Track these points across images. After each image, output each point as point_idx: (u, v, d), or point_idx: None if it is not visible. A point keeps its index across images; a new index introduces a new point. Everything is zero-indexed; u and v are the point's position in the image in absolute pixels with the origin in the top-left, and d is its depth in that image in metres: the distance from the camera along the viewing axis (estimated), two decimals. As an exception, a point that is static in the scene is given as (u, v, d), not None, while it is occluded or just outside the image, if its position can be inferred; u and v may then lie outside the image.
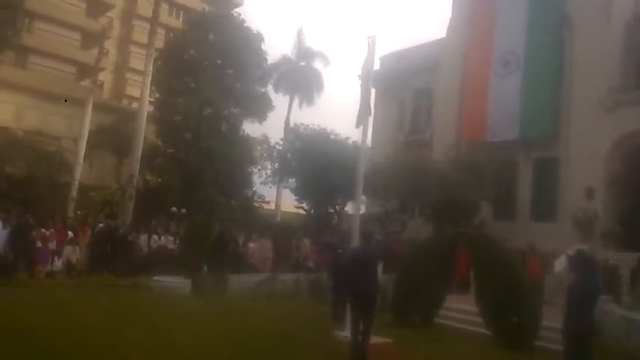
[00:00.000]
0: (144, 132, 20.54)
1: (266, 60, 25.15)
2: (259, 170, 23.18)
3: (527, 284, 9.89)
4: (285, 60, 32.62)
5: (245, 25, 24.26)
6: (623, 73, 17.53)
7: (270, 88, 27.72)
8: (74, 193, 20.71)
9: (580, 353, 6.59)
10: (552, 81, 18.90)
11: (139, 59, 31.86)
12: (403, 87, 24.25)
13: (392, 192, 19.00)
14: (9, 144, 21.19)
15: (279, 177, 22.77)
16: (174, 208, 20.34)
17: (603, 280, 7.97)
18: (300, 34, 33.58)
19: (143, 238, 15.52)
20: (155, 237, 15.76)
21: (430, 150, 21.92)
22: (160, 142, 23.14)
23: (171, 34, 27.89)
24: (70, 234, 14.41)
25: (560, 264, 13.58)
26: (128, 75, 35.91)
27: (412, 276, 10.96)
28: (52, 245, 13.68)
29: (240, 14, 26.96)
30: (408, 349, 8.28)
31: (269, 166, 22.58)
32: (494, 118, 19.92)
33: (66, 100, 26.83)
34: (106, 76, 34.31)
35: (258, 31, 24.32)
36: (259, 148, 23.88)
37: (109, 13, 35.55)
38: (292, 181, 22.31)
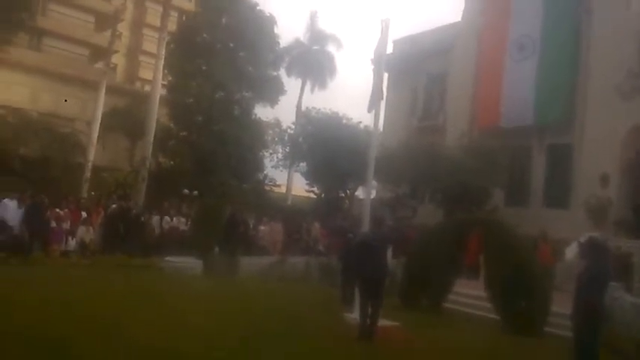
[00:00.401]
0: (156, 115, 20.61)
1: (278, 43, 24.98)
2: (271, 154, 23.24)
3: (538, 270, 9.84)
4: (297, 43, 32.40)
5: (258, 7, 24.08)
6: (640, 59, 17.16)
7: (282, 72, 27.58)
8: (88, 174, 20.94)
9: (590, 339, 6.57)
10: (568, 66, 18.57)
11: (151, 42, 31.82)
12: (416, 71, 24.00)
13: (403, 177, 18.94)
14: (24, 125, 21.42)
15: (291, 161, 22.82)
16: (186, 190, 20.47)
17: (614, 268, 7.92)
18: (313, 17, 33.32)
19: (155, 219, 15.68)
20: (167, 218, 15.91)
21: (443, 136, 21.76)
22: (172, 125, 23.25)
23: (184, 17, 27.77)
24: (84, 214, 14.61)
25: (571, 251, 13.53)
26: (141, 58, 35.92)
27: (422, 260, 10.97)
28: (66, 225, 13.88)
29: (252, -3, 26.72)
30: (416, 333, 8.32)
31: (280, 150, 22.64)
32: (509, 103, 19.67)
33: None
34: (119, 59, 34.35)
35: (270, 14, 24.16)
36: (271, 131, 23.89)
37: (122, -4, 35.43)
38: (303, 165, 22.35)
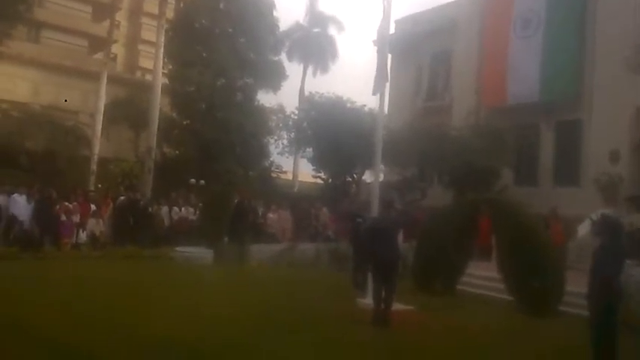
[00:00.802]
0: (159, 104, 20.47)
1: (278, 27, 24.62)
2: (275, 140, 23.04)
3: (551, 249, 9.77)
4: (297, 27, 31.95)
5: (256, -10, 23.71)
6: (650, 31, 16.84)
7: (283, 57, 27.26)
8: (94, 166, 20.92)
9: (607, 318, 6.51)
10: (575, 40, 18.25)
11: (150, 30, 31.53)
12: (420, 51, 23.68)
13: (410, 159, 18.78)
14: (28, 119, 21.36)
15: (296, 147, 22.63)
16: (192, 180, 20.42)
17: (628, 245, 7.82)
18: (312, -1, 32.79)
19: (164, 209, 15.69)
20: (176, 209, 15.92)
21: (449, 116, 21.53)
22: (174, 114, 23.11)
23: (182, 4, 27.45)
24: (93, 207, 14.62)
25: (583, 228, 13.45)
26: (141, 47, 35.64)
27: (433, 243, 10.92)
28: (76, 218, 13.92)
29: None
30: (430, 316, 8.31)
31: (285, 136, 22.42)
32: (515, 80, 19.39)
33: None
34: (118, 49, 34.11)
35: (269, -4, 23.78)
36: (274, 118, 23.68)
37: (118, -16, 35.03)
38: (309, 150, 22.16)
